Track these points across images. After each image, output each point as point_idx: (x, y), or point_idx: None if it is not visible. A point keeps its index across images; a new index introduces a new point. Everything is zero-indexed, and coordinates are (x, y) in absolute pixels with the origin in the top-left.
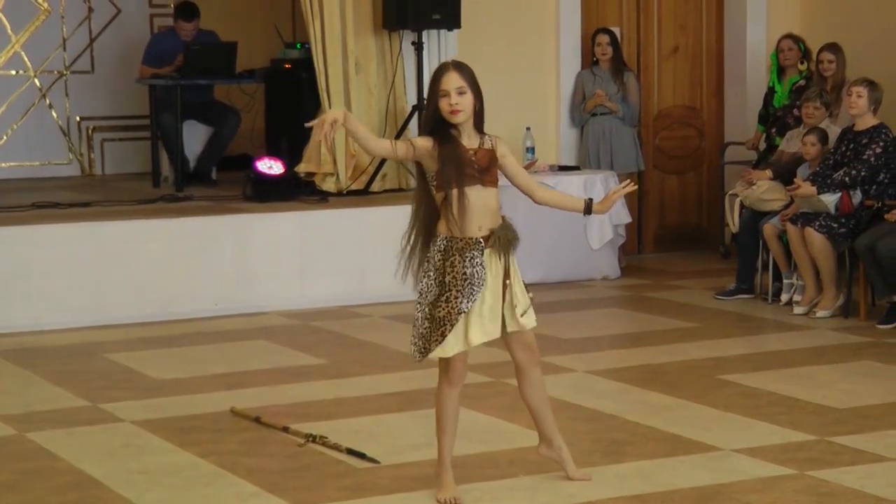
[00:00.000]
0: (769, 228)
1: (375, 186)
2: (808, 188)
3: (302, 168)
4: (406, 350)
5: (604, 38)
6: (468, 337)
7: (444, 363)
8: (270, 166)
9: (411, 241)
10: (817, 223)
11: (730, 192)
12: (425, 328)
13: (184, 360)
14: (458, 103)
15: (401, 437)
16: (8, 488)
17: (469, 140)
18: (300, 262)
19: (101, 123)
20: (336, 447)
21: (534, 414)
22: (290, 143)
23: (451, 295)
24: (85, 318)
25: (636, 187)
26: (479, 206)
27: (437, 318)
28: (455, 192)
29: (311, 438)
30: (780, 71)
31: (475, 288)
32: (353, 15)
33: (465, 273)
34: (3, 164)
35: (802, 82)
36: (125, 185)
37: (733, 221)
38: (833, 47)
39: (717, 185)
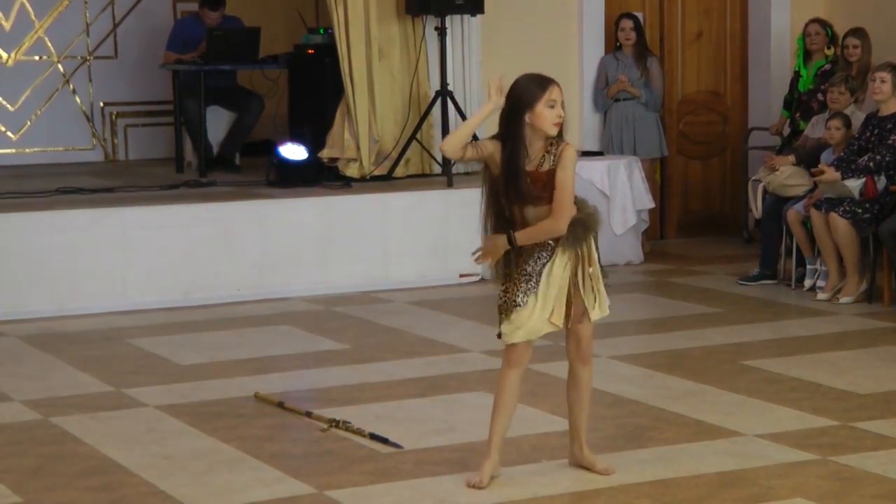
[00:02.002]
0: (793, 214)
1: (398, 172)
2: (832, 173)
3: (325, 153)
4: (428, 335)
5: (627, 23)
6: (534, 327)
7: (507, 346)
8: (294, 152)
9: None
10: (841, 209)
11: (753, 178)
12: (498, 312)
13: (207, 345)
14: (563, 115)
15: (424, 423)
16: (32, 472)
17: (533, 159)
18: (323, 247)
19: (124, 109)
20: (359, 432)
21: (568, 411)
22: (314, 128)
23: (510, 286)
24: (108, 303)
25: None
26: (536, 219)
27: (498, 307)
28: (512, 209)
29: (335, 423)
30: (807, 55)
31: (532, 284)
32: (377, 0)
33: (526, 270)
34: (27, 150)
35: (828, 67)
36: (148, 171)
37: (756, 207)
38: (859, 32)
39: (740, 171)
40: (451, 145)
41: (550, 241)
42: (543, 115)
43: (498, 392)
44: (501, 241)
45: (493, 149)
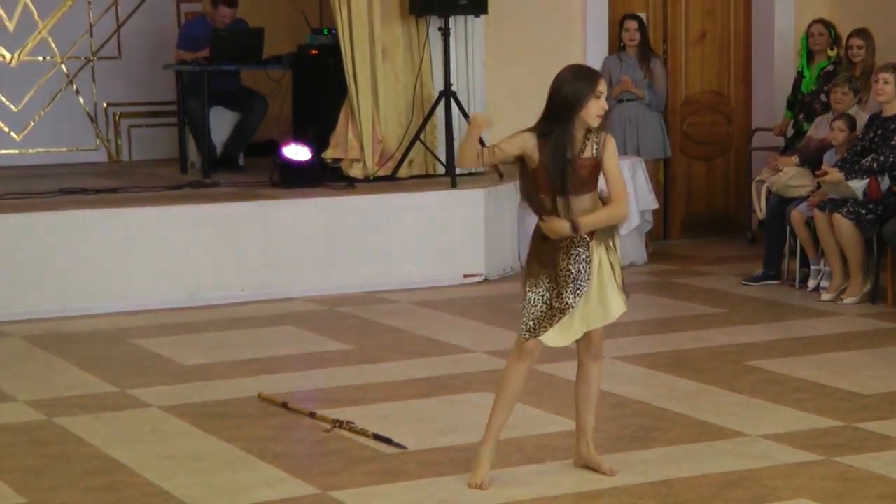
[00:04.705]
0: (796, 214)
1: (402, 172)
2: (836, 174)
3: (329, 154)
4: (432, 336)
5: (632, 24)
6: (572, 332)
7: (521, 342)
8: (297, 152)
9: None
10: (845, 209)
11: (756, 179)
12: (541, 311)
13: (211, 345)
14: (606, 107)
15: (427, 423)
16: (36, 473)
17: (577, 141)
18: (327, 247)
19: (128, 109)
20: (363, 432)
21: (576, 409)
22: (317, 128)
23: (562, 290)
24: (112, 303)
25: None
26: (578, 209)
27: (553, 308)
28: (548, 199)
29: (338, 424)
30: (810, 56)
31: (581, 284)
32: (380, 1)
33: (569, 270)
34: (31, 150)
35: (830, 67)
36: (152, 171)
37: (760, 207)
38: (862, 33)
39: (744, 172)
40: (464, 162)
41: (585, 236)
42: (591, 107)
43: (504, 385)
44: (562, 226)
45: (529, 143)
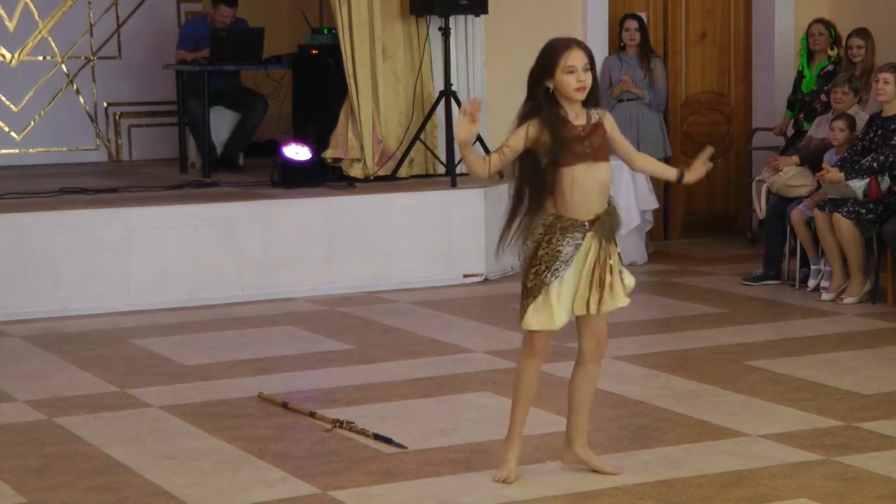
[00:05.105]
0: (796, 214)
1: (402, 172)
2: (836, 174)
3: (329, 154)
4: (432, 336)
5: (632, 24)
6: (554, 317)
7: (527, 333)
8: (297, 152)
9: (515, 221)
10: (845, 209)
11: (757, 178)
12: (522, 296)
13: (211, 345)
14: (584, 80)
15: (427, 423)
16: (36, 473)
17: (577, 118)
18: (327, 247)
19: (128, 109)
20: (363, 432)
21: (570, 407)
22: (318, 128)
23: (540, 268)
24: (112, 303)
25: (712, 149)
26: (591, 183)
27: (526, 288)
28: (566, 171)
29: (338, 424)
30: (810, 56)
31: (562, 265)
32: (381, 1)
33: (558, 250)
34: (31, 150)
35: (831, 67)
36: (152, 171)
37: (760, 207)
38: (862, 32)
39: (744, 171)
40: (475, 176)
41: (585, 224)
42: (563, 82)
43: (518, 384)
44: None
45: (533, 131)
